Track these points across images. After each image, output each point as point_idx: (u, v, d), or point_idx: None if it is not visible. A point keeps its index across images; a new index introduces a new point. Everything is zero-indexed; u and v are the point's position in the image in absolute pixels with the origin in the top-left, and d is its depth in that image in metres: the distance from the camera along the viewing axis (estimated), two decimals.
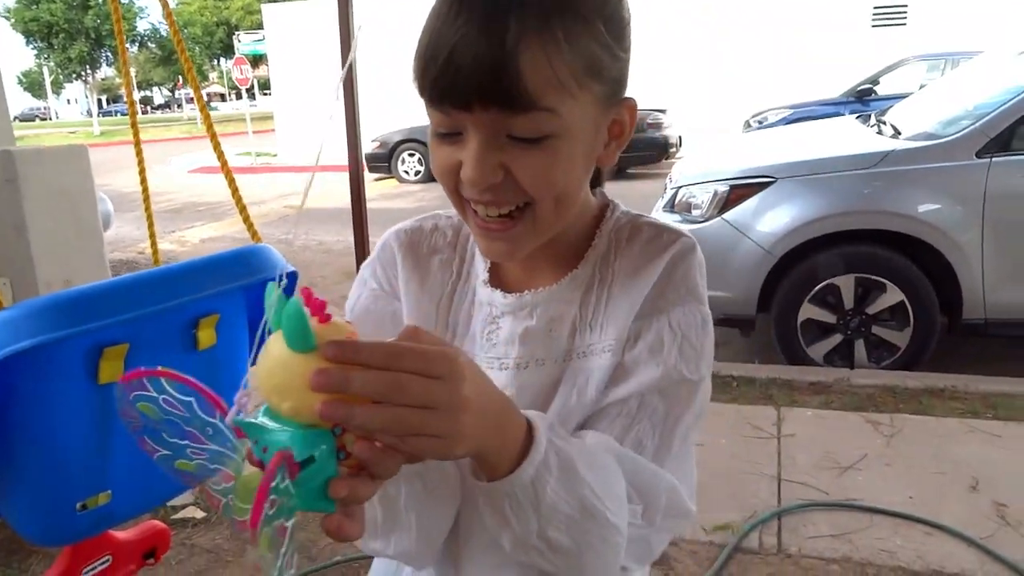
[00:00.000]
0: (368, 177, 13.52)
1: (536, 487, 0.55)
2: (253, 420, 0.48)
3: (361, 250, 1.53)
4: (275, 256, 1.16)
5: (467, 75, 0.55)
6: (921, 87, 8.93)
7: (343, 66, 1.47)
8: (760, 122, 10.71)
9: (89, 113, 42.77)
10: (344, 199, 10.97)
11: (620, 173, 11.65)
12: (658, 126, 11.61)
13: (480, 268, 0.74)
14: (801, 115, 10.19)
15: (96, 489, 1.03)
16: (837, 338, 3.63)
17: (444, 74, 0.56)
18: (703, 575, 2.13)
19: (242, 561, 2.31)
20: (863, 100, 10.23)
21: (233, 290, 1.06)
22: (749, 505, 2.43)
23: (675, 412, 0.67)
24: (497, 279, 0.73)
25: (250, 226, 1.28)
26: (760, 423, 3.01)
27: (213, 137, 1.27)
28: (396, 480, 0.52)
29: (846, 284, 3.53)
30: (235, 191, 1.28)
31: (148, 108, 72.97)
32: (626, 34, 0.64)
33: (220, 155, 1.25)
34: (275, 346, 0.46)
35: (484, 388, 0.51)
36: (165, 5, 1.28)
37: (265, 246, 1.19)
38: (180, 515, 2.49)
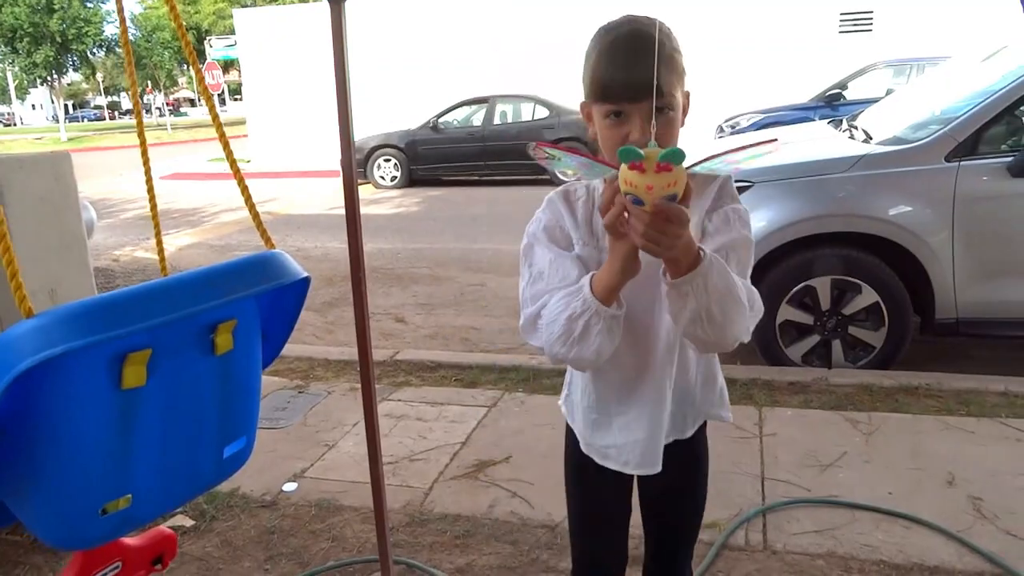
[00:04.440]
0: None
1: (707, 275, 0.99)
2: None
3: (356, 255, 1.55)
4: (290, 262, 1.18)
5: (638, 83, 1.02)
6: (888, 92, 9.14)
7: (337, 75, 1.49)
8: (732, 127, 10.86)
9: (55, 119, 41.94)
10: (320, 205, 10.88)
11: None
12: None
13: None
14: (772, 120, 10.37)
15: (117, 493, 1.04)
16: (815, 339, 3.71)
17: (628, 81, 1.05)
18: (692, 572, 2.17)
19: (233, 568, 2.30)
20: (832, 105, 10.44)
21: (250, 296, 1.09)
22: (734, 503, 2.48)
23: (745, 257, 1.16)
24: None
25: (263, 232, 1.29)
26: (742, 423, 3.07)
27: (223, 137, 1.28)
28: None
29: (822, 286, 3.61)
30: (247, 197, 1.29)
31: (115, 113, 71.79)
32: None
33: (229, 154, 1.26)
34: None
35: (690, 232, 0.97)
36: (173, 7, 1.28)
37: (280, 252, 1.21)
38: (170, 523, 2.47)
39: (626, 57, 1.06)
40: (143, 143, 1.32)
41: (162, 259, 1.34)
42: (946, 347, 4.05)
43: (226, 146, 1.29)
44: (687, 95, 1.15)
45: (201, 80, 1.33)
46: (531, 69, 14.84)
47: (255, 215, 1.29)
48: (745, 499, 2.51)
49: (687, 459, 1.35)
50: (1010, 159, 3.35)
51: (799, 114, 10.17)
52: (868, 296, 3.57)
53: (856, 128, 4.21)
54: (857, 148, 3.80)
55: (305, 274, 1.20)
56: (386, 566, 1.97)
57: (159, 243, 1.35)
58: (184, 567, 2.30)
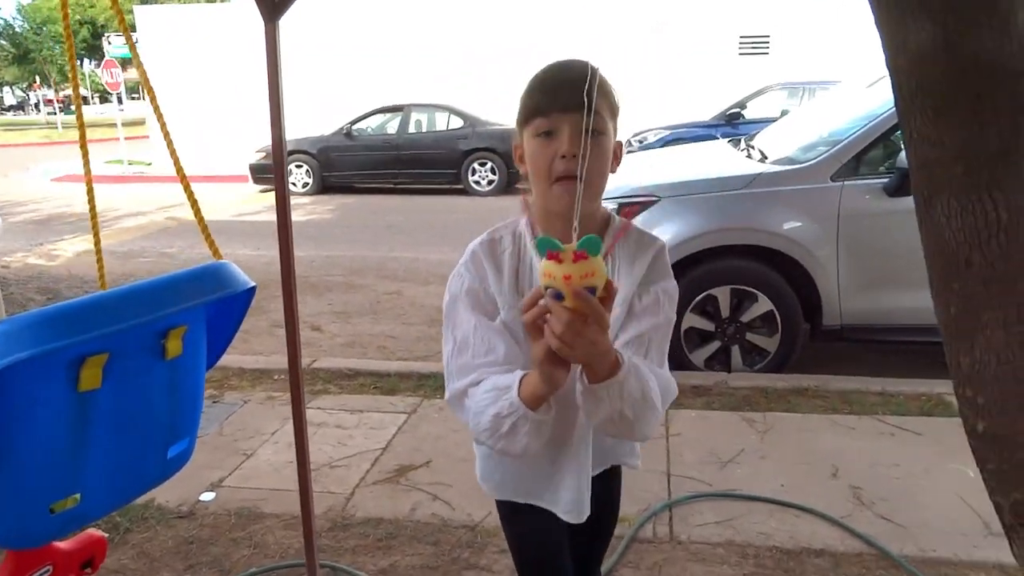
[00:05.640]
0: (253, 188, 13.17)
1: (623, 383, 1.00)
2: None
3: (287, 264, 1.61)
4: (237, 272, 1.24)
5: (571, 94, 1.02)
6: (783, 112, 9.74)
7: (271, 89, 1.54)
8: (640, 141, 11.28)
9: None
10: (227, 211, 10.57)
11: (508, 189, 11.93)
12: None
13: (535, 254, 1.16)
14: (678, 135, 10.86)
15: (67, 492, 1.06)
16: (716, 344, 3.95)
17: (559, 93, 1.06)
18: (604, 563, 2.31)
19: None
20: (732, 123, 11.03)
21: (202, 304, 1.14)
22: (643, 499, 2.64)
23: (664, 341, 1.19)
24: None
25: (211, 243, 1.33)
26: None
27: (170, 145, 1.32)
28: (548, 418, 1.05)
29: (723, 295, 3.86)
30: (194, 203, 1.33)
31: None
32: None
33: (176, 161, 1.30)
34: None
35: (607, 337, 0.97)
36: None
37: (227, 263, 1.26)
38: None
39: (558, 74, 1.09)
40: (83, 145, 1.33)
41: (101, 270, 1.35)
42: (834, 351, 4.38)
43: (173, 152, 1.32)
44: (619, 145, 1.15)
45: (145, 78, 1.36)
46: (449, 78, 14.94)
47: (203, 227, 1.33)
48: (653, 494, 2.68)
49: (601, 502, 1.32)
50: (887, 180, 3.69)
51: (702, 131, 10.70)
52: (763, 304, 3.84)
53: (753, 147, 4.51)
54: (753, 167, 4.08)
55: (252, 284, 1.26)
56: (312, 568, 2.02)
57: (98, 252, 1.36)
58: None
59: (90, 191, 1.33)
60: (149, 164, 16.89)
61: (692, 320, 3.90)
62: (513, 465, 1.27)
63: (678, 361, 3.95)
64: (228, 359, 4.22)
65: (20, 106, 68.72)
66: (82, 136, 1.33)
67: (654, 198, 3.90)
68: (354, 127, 12.84)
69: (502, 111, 12.84)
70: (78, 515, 1.11)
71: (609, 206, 3.87)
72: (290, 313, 1.66)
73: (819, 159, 3.83)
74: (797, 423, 3.28)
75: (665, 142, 10.50)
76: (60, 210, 11.08)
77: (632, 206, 3.91)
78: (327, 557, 2.35)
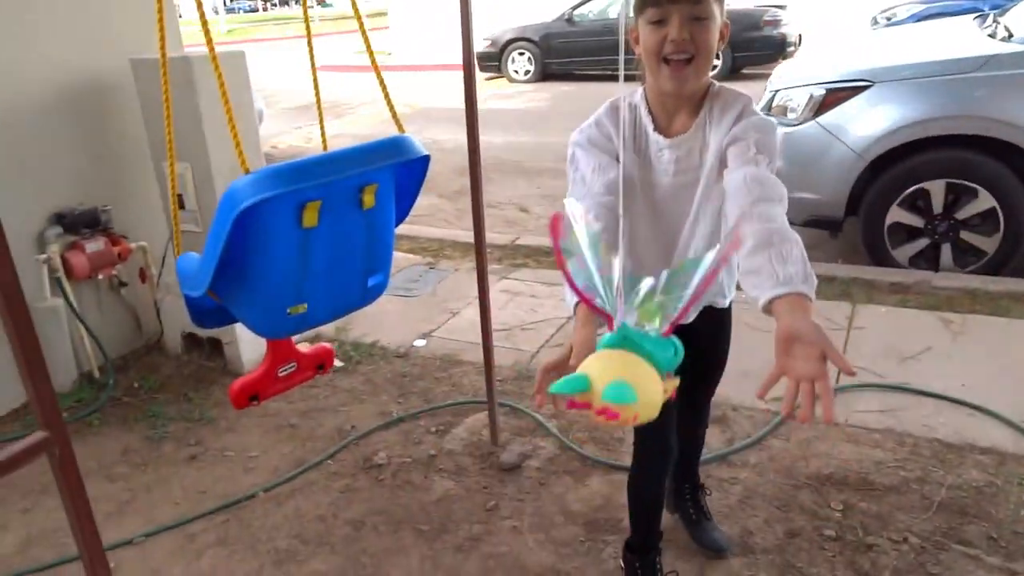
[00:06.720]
0: (479, 76, 13.72)
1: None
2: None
3: (474, 150, 1.90)
4: (415, 143, 1.56)
5: None
6: None
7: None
8: (888, 19, 10.11)
9: (215, 11, 44.23)
10: (458, 99, 11.11)
11: (735, 72, 11.35)
12: (776, 23, 11.11)
13: (647, 121, 1.39)
14: (935, 11, 9.54)
15: (298, 300, 1.49)
16: (923, 242, 3.73)
17: None
18: (756, 433, 2.48)
19: (374, 399, 2.84)
20: None
21: (388, 166, 1.48)
22: None
23: (770, 146, 1.28)
24: (658, 127, 1.39)
25: (396, 120, 1.65)
26: (832, 316, 3.24)
27: (364, 34, 1.65)
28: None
29: (936, 189, 3.60)
30: (382, 83, 1.66)
31: (268, 5, 74.60)
32: None
33: (368, 48, 1.64)
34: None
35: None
36: None
37: (407, 136, 1.59)
38: None
39: None
40: (309, 38, 1.70)
41: (324, 137, 1.75)
42: None
43: (367, 41, 1.65)
44: (726, 25, 1.31)
45: None
46: None
47: (390, 104, 1.65)
48: None
49: (702, 336, 1.43)
50: None
51: (967, 4, 9.31)
52: (985, 201, 3.53)
53: (999, 23, 4.00)
54: (991, 46, 3.65)
55: (426, 152, 1.57)
56: (492, 405, 2.42)
57: (321, 121, 1.77)
58: (337, 395, 2.87)
59: (314, 76, 1.71)
60: (389, 54, 18.09)
61: (898, 215, 3.71)
62: None
63: (879, 257, 3.81)
64: (444, 232, 4.77)
65: (285, 2, 75.68)
66: (307, 30, 1.70)
67: (867, 83, 3.67)
68: (575, 12, 12.76)
69: None
70: (307, 318, 1.54)
71: (816, 92, 3.78)
72: (476, 190, 1.97)
73: None
74: (1000, 328, 3.09)
75: (919, 18, 9.31)
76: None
77: (841, 92, 3.72)
78: (511, 399, 2.76)
